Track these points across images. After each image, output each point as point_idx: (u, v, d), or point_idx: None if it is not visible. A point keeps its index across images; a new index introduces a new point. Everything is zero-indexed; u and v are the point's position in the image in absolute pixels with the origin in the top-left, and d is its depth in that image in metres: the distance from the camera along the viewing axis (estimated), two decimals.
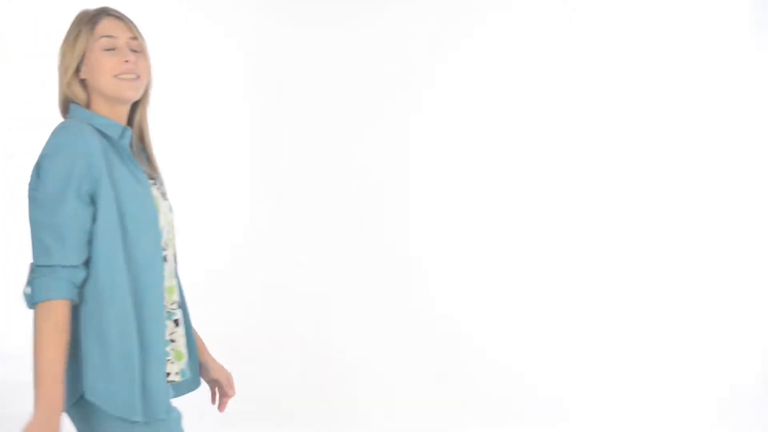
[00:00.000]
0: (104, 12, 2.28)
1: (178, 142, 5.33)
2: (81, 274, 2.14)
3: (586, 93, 5.17)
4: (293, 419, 4.89)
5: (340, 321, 5.12)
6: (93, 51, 2.24)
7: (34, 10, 5.28)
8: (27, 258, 5.59)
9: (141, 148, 2.35)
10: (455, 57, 5.16)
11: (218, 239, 5.25)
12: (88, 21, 2.26)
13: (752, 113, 5.20)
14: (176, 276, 2.35)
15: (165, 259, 2.28)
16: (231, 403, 2.69)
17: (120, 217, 2.16)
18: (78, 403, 2.16)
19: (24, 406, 4.86)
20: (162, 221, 2.26)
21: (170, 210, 2.33)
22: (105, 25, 2.25)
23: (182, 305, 2.38)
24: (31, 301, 2.14)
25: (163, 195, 2.32)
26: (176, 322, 2.31)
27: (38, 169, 2.18)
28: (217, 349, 4.85)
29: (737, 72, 5.18)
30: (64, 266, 2.12)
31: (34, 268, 2.16)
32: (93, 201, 2.14)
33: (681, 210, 5.17)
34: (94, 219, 2.14)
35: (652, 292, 5.13)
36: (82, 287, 2.14)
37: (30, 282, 2.16)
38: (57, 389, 2.05)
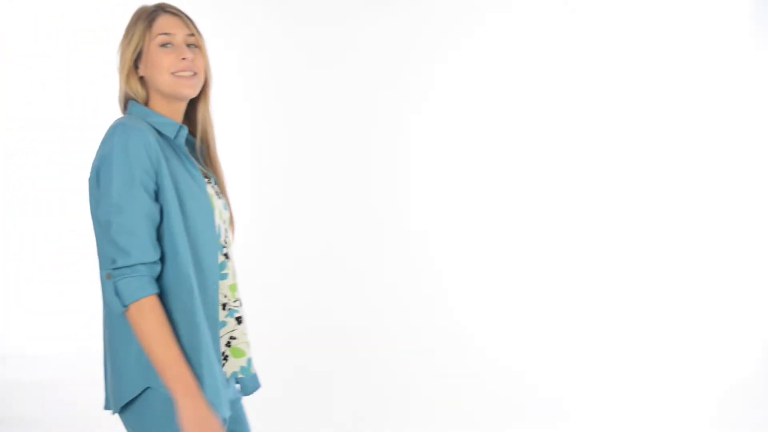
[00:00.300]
0: (161, 9, 2.27)
1: None
2: (158, 268, 2.14)
3: (586, 93, 5.17)
4: (294, 418, 4.89)
5: (340, 321, 5.12)
6: (150, 48, 2.23)
7: (34, 10, 5.28)
8: (27, 257, 5.55)
9: (201, 146, 2.34)
10: (455, 57, 5.16)
11: None
12: (145, 18, 2.25)
13: (752, 113, 5.20)
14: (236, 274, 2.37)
15: (227, 257, 2.29)
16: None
17: (182, 213, 2.17)
18: (135, 403, 2.15)
19: (24, 405, 4.87)
20: (217, 219, 2.26)
21: (225, 208, 2.32)
22: (162, 22, 2.24)
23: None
24: (122, 304, 2.10)
25: (218, 193, 2.31)
26: (238, 319, 2.30)
27: (98, 171, 2.16)
28: None
29: (737, 72, 5.18)
30: (144, 263, 2.11)
31: (114, 271, 2.12)
32: (157, 197, 2.15)
33: (680, 210, 5.17)
34: (160, 215, 2.16)
35: (651, 291, 5.14)
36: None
37: (114, 285, 2.11)
38: (186, 372, 2.07)
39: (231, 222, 2.34)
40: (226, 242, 2.30)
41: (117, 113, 5.09)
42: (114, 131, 2.15)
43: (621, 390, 4.89)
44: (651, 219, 5.16)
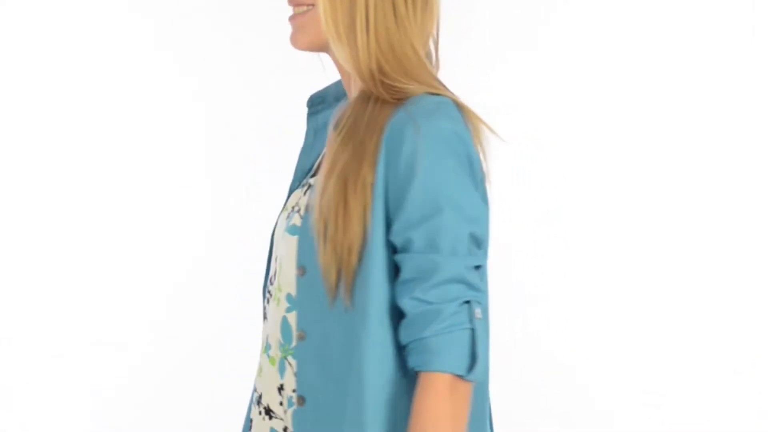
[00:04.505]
0: None
1: (181, 143, 5.34)
2: None
3: (585, 93, 5.16)
4: None
5: None
6: None
7: (33, 10, 5.28)
8: (27, 257, 5.43)
9: None
10: (454, 57, 5.15)
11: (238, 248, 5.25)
12: None
13: (753, 113, 5.18)
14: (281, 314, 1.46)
15: (268, 302, 1.50)
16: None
17: None
18: None
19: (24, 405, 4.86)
20: (275, 245, 1.51)
21: (288, 230, 1.45)
22: None
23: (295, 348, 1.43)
24: None
25: (292, 206, 1.49)
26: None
27: None
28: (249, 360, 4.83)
29: (737, 71, 5.16)
30: None
31: None
32: None
33: (679, 211, 5.16)
34: None
35: (653, 290, 5.13)
36: None
37: None
38: None
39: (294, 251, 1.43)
40: (274, 282, 1.48)
41: (115, 112, 4.98)
42: None
43: (623, 389, 4.90)
44: (650, 220, 5.15)
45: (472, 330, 1.30)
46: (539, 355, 4.77)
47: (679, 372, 4.97)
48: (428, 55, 1.45)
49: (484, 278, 1.39)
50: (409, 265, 1.31)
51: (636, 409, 4.78)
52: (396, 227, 1.32)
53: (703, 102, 5.19)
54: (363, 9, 1.36)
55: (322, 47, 1.43)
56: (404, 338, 1.31)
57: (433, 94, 1.36)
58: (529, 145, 5.13)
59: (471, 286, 1.31)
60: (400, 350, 1.34)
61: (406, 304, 1.31)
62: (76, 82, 4.49)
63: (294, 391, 1.42)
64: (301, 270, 1.39)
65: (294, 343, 1.42)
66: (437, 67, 1.49)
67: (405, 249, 1.32)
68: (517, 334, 4.77)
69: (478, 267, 1.34)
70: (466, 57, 4.89)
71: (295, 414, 1.41)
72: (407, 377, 1.34)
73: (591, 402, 4.74)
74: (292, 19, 1.44)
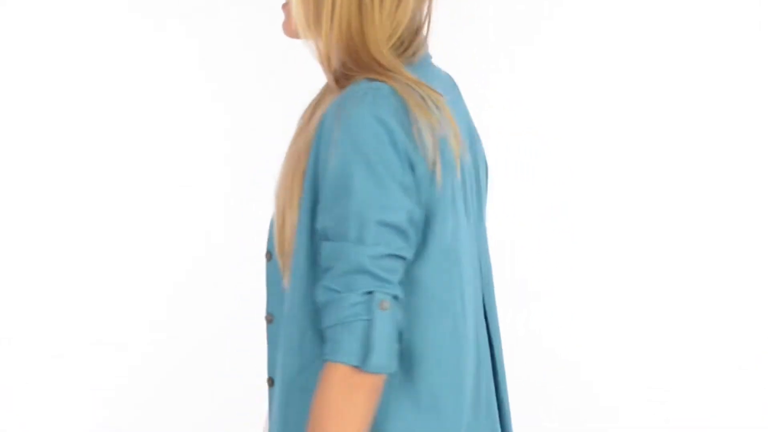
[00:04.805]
0: None
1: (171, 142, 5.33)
2: None
3: (589, 88, 5.15)
4: None
5: None
6: None
7: (32, 10, 5.28)
8: (28, 258, 5.41)
9: None
10: (458, 53, 5.14)
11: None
12: None
13: (757, 104, 5.17)
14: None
15: None
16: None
17: None
18: None
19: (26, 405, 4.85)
20: None
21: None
22: None
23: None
24: None
25: None
26: None
27: None
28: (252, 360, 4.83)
29: (742, 65, 5.15)
30: None
31: None
32: None
33: (682, 207, 5.15)
34: None
35: (657, 286, 5.12)
36: None
37: None
38: None
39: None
40: None
41: (114, 113, 4.93)
42: None
43: (626, 389, 4.89)
44: (651, 220, 5.14)
45: (369, 321, 1.30)
46: (543, 351, 4.75)
47: (683, 368, 4.96)
48: (405, 44, 1.44)
49: (435, 267, 1.38)
50: (323, 253, 1.34)
51: (640, 405, 4.77)
52: (317, 215, 1.35)
53: (708, 98, 5.18)
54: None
55: None
56: (321, 326, 1.35)
57: (371, 80, 1.35)
58: (533, 140, 5.14)
59: (375, 276, 1.31)
60: (321, 337, 1.36)
61: (316, 292, 1.34)
62: (74, 81, 4.47)
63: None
64: (268, 255, 1.47)
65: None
66: (418, 53, 1.46)
67: (323, 237, 1.35)
68: (520, 330, 4.75)
69: (398, 257, 1.34)
70: (470, 52, 4.87)
71: (269, 395, 1.49)
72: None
73: (595, 398, 4.73)
74: (282, 7, 1.48)
